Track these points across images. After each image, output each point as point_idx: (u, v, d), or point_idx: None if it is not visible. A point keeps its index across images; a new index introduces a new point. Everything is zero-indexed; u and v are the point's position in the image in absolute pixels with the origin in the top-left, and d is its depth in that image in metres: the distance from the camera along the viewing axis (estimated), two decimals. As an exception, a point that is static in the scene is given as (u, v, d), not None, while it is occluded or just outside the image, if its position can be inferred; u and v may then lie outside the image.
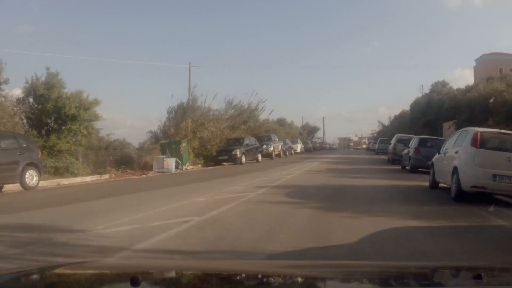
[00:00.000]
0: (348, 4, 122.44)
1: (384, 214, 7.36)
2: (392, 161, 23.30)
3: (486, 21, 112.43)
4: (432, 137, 20.51)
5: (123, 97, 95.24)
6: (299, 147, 43.22)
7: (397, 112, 70.83)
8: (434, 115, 38.19)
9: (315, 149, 55.18)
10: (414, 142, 18.53)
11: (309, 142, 54.92)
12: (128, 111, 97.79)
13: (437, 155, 11.46)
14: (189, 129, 27.38)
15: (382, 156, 33.14)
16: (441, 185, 11.20)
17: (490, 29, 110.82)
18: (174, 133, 26.88)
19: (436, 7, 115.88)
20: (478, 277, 1.65)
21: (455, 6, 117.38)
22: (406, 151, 19.42)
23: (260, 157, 27.58)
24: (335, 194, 10.26)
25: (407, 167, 18.65)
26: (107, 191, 12.66)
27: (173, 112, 29.65)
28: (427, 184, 12.38)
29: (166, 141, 24.33)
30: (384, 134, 55.51)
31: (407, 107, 54.92)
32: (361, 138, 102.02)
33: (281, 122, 57.13)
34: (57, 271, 2.10)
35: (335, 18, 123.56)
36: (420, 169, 17.21)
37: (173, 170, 21.19)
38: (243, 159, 24.90)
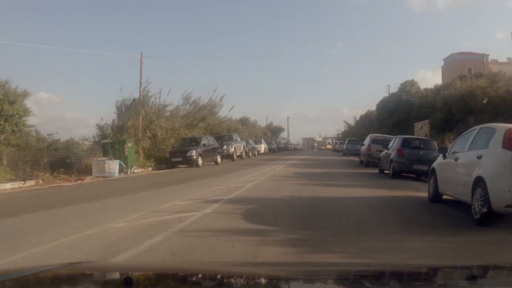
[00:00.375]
0: (311, 5, 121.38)
1: (398, 256, 4.64)
2: (366, 164, 20.86)
3: (449, 24, 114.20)
4: (417, 137, 18.22)
5: (87, 96, 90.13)
6: (263, 147, 41.02)
7: (362, 112, 70.09)
8: (403, 115, 37.27)
9: (279, 149, 53.37)
10: (395, 142, 15.93)
11: (274, 143, 53.03)
12: (93, 110, 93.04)
13: (440, 160, 8.85)
14: (139, 127, 24.14)
15: (352, 158, 31.21)
16: (444, 197, 8.70)
17: (453, 32, 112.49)
18: (118, 132, 23.50)
19: (400, 10, 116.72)
20: (472, 277, 1.71)
21: (419, 9, 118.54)
22: (384, 153, 16.94)
23: (219, 159, 24.73)
24: (311, 214, 7.47)
25: (386, 171, 16.23)
26: (10, 207, 9.67)
27: (123, 108, 26.23)
28: (421, 194, 10.17)
29: (109, 140, 20.93)
30: (350, 134, 54.21)
31: (372, 107, 53.87)
32: (325, 138, 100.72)
33: (244, 121, 54.60)
34: (53, 271, 2.06)
35: (300, 18, 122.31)
36: (403, 174, 14.92)
37: (116, 175, 18.09)
38: (200, 161, 22.02)
